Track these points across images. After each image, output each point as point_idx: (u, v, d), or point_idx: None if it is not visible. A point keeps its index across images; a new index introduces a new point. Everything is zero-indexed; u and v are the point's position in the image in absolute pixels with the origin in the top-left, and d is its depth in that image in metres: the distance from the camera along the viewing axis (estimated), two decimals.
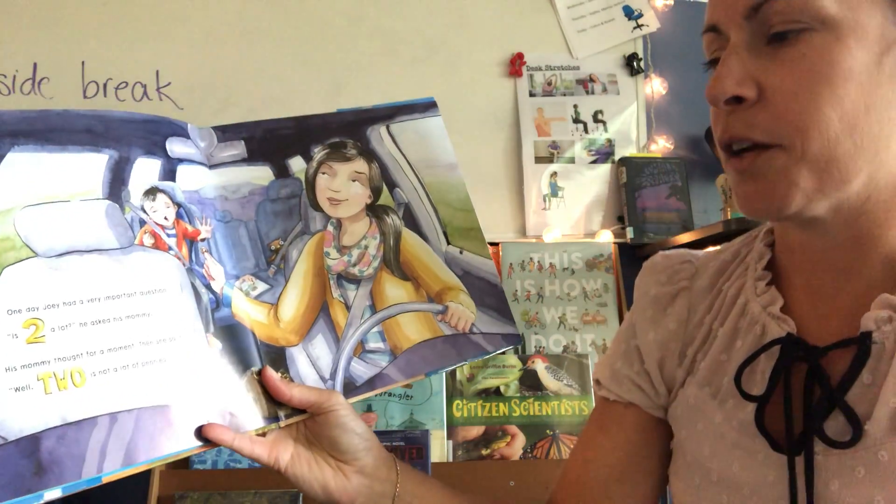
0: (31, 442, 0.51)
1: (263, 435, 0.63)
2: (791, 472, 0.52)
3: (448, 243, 0.77)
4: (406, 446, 1.44)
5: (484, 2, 1.84)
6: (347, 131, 0.77)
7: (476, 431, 1.53)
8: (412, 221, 0.77)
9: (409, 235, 0.76)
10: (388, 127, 0.79)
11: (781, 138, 0.49)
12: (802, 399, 0.54)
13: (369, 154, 0.77)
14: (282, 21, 1.79)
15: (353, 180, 0.76)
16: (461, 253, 0.77)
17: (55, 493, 0.50)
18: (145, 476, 1.41)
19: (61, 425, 0.52)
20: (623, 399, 0.69)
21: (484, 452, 1.51)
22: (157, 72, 1.75)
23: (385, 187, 0.77)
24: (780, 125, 0.49)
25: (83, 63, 1.74)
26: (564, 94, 1.83)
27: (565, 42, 1.85)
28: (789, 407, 0.54)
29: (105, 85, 1.74)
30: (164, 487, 1.40)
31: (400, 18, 1.81)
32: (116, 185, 0.61)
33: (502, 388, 1.56)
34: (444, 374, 1.54)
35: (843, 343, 0.52)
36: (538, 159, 1.80)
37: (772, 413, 0.55)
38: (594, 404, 0.74)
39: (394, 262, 0.74)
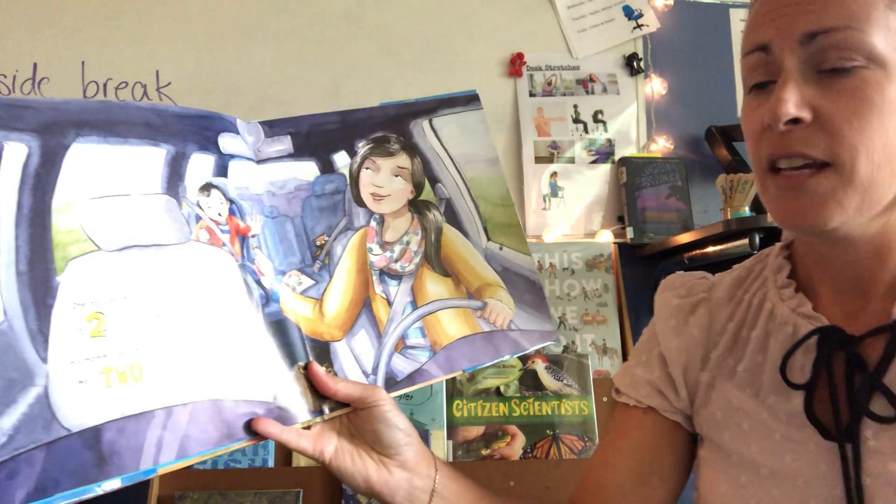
0: (94, 434, 0.52)
1: (308, 428, 0.64)
2: (844, 458, 0.56)
3: (488, 239, 0.78)
4: None
5: (484, 2, 1.84)
6: (391, 125, 0.77)
7: (476, 431, 1.53)
8: (453, 217, 0.77)
9: (449, 231, 0.76)
10: (430, 121, 0.79)
11: (837, 157, 0.54)
12: (845, 386, 0.58)
13: (412, 149, 0.77)
14: (282, 21, 1.79)
15: (396, 175, 0.76)
16: (501, 249, 0.78)
17: (115, 483, 0.52)
18: None
19: (121, 418, 0.53)
20: (642, 404, 0.72)
21: (484, 452, 1.51)
22: (157, 72, 1.75)
23: (427, 182, 0.77)
24: (836, 145, 0.54)
25: (83, 63, 1.74)
26: (564, 94, 1.83)
27: (565, 42, 1.85)
28: (834, 391, 0.58)
29: (105, 85, 1.74)
30: (164, 487, 1.40)
31: (400, 18, 1.81)
32: (174, 180, 0.62)
33: (502, 388, 1.56)
34: None
35: (877, 331, 0.57)
36: (538, 159, 1.80)
37: (817, 403, 0.59)
38: (613, 412, 0.76)
39: (434, 258, 0.75)
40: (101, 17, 1.75)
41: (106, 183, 0.58)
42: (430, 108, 0.80)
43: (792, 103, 0.54)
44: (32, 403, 0.50)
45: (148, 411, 0.55)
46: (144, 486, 1.40)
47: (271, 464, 1.47)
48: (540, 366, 1.57)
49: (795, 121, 0.54)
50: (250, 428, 0.60)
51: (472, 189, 0.79)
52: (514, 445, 1.52)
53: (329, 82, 1.77)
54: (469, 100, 0.82)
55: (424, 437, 1.48)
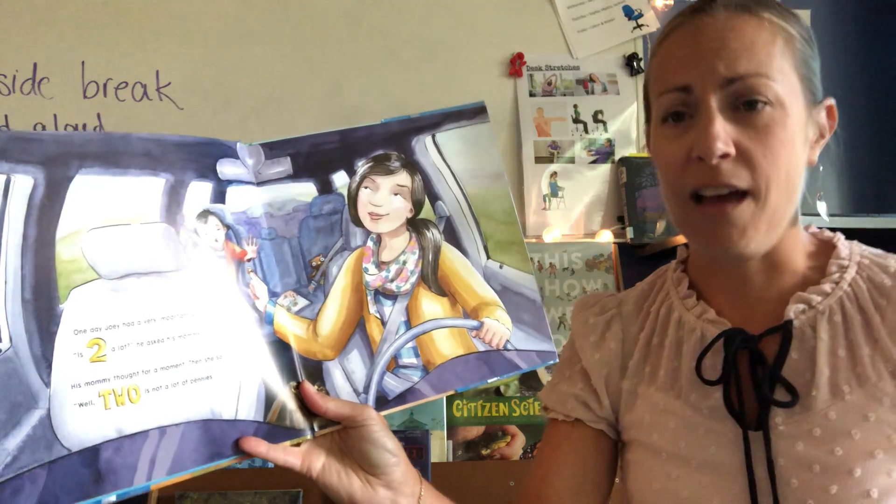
0: (92, 453, 0.55)
1: (298, 444, 0.66)
2: (746, 443, 0.65)
3: (488, 257, 0.77)
4: (406, 446, 1.43)
5: (484, 2, 1.84)
6: (392, 143, 0.77)
7: (476, 431, 1.53)
8: (452, 235, 0.77)
9: (448, 250, 0.76)
10: (434, 136, 0.78)
11: (755, 185, 0.63)
12: (750, 379, 0.67)
13: (413, 166, 0.77)
14: (282, 21, 1.79)
15: (395, 194, 0.76)
16: (501, 268, 0.77)
17: (111, 498, 0.56)
18: None
19: (117, 438, 0.57)
20: (570, 417, 0.77)
21: (484, 452, 1.51)
22: (157, 72, 1.75)
23: (427, 200, 0.77)
24: (756, 176, 0.63)
25: (83, 63, 1.74)
26: (564, 94, 1.83)
27: (565, 42, 1.85)
28: (739, 384, 0.66)
29: (105, 85, 1.74)
30: (164, 487, 1.40)
31: (400, 19, 1.81)
32: (172, 209, 0.64)
33: (502, 388, 1.56)
34: None
35: (772, 330, 0.67)
36: (538, 159, 1.80)
37: (732, 396, 0.67)
38: (545, 428, 0.82)
39: (431, 277, 0.75)
40: (101, 17, 1.75)
41: (107, 213, 0.61)
42: (435, 122, 0.79)
43: (722, 140, 0.62)
44: (36, 425, 0.54)
45: (143, 431, 0.58)
46: None
47: (271, 464, 1.47)
48: None
49: (724, 155, 0.63)
50: (238, 447, 0.63)
51: (474, 206, 0.78)
52: (514, 445, 1.52)
53: (329, 82, 1.77)
54: (476, 112, 0.81)
55: (424, 437, 1.48)
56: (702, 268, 0.76)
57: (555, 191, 1.79)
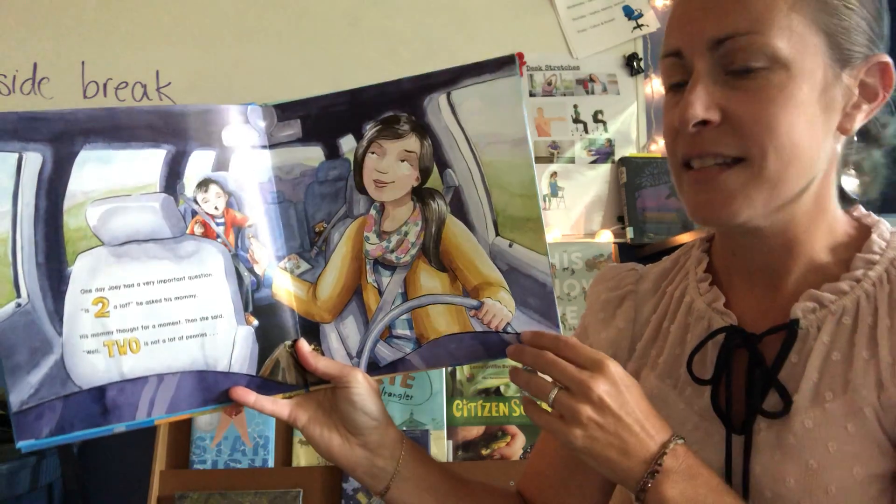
0: (99, 391, 0.65)
1: (290, 398, 0.71)
2: (728, 448, 0.62)
3: (497, 234, 0.71)
4: None
5: (484, 2, 1.84)
6: (404, 103, 0.72)
7: (476, 431, 1.53)
8: (459, 207, 0.71)
9: (452, 223, 0.72)
10: (448, 95, 0.72)
11: (748, 152, 0.57)
12: (745, 381, 0.62)
13: (422, 129, 0.71)
14: (282, 21, 1.79)
15: (402, 160, 0.72)
16: (510, 246, 0.71)
17: (121, 427, 0.66)
18: (145, 476, 1.41)
19: (120, 381, 0.66)
20: None
21: (484, 452, 1.51)
22: (157, 72, 1.75)
23: (435, 167, 0.72)
24: (746, 142, 0.57)
25: (83, 63, 1.74)
26: (564, 94, 1.83)
27: (565, 42, 1.85)
28: (729, 387, 0.63)
29: (105, 85, 1.74)
30: (164, 487, 1.40)
31: (400, 19, 1.81)
32: (172, 179, 0.69)
33: (502, 388, 1.56)
34: (444, 373, 1.54)
35: (775, 329, 0.62)
36: (538, 159, 1.80)
37: (724, 397, 0.64)
38: None
39: (432, 251, 0.72)
40: (101, 17, 1.75)
41: (109, 185, 0.67)
42: (452, 78, 0.72)
43: (699, 107, 0.57)
44: (52, 366, 0.65)
45: (142, 377, 0.67)
46: (144, 486, 1.40)
47: (271, 464, 1.47)
48: None
49: (704, 122, 0.58)
50: (230, 396, 0.69)
51: (487, 176, 0.71)
52: (514, 445, 1.52)
53: (329, 82, 1.77)
54: (501, 64, 0.70)
55: (424, 436, 1.48)
56: (720, 246, 0.71)
57: (555, 191, 1.79)
